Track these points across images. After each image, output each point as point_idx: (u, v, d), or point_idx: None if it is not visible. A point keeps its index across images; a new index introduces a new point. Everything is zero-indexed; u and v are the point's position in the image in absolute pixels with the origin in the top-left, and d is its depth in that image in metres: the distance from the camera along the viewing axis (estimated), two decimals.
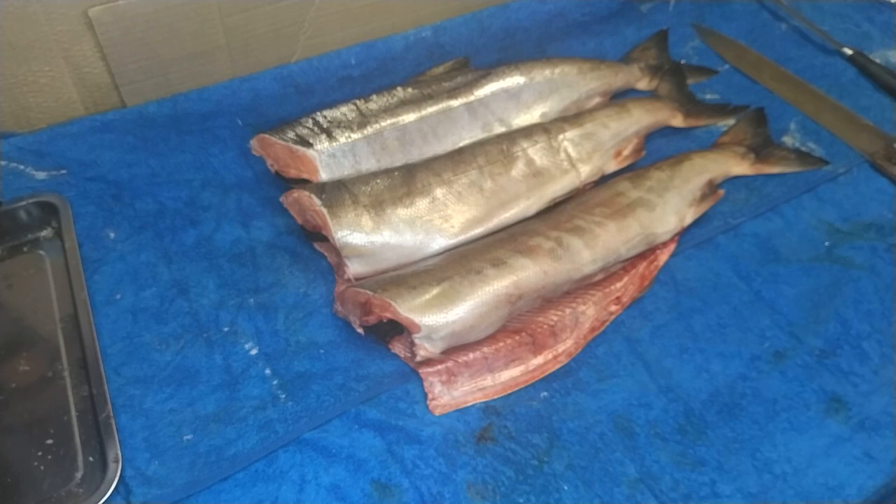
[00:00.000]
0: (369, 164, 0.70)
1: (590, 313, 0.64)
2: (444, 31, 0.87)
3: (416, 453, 0.56)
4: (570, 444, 0.57)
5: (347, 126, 0.70)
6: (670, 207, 0.70)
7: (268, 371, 0.60)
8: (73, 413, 0.57)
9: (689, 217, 0.71)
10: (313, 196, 0.63)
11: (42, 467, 0.54)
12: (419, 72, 0.82)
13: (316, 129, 0.70)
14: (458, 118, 0.74)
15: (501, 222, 0.68)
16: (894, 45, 0.92)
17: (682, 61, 0.89)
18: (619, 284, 0.66)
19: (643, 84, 0.86)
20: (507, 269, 0.61)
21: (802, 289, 0.68)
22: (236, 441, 0.55)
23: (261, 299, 0.64)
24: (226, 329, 0.62)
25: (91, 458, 0.55)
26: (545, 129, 0.74)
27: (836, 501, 0.55)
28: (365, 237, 0.63)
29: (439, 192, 0.66)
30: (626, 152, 0.77)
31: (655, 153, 0.78)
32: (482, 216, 0.67)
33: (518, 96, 0.78)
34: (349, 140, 0.70)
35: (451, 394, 0.59)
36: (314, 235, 0.67)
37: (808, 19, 0.94)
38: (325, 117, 0.71)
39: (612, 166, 0.76)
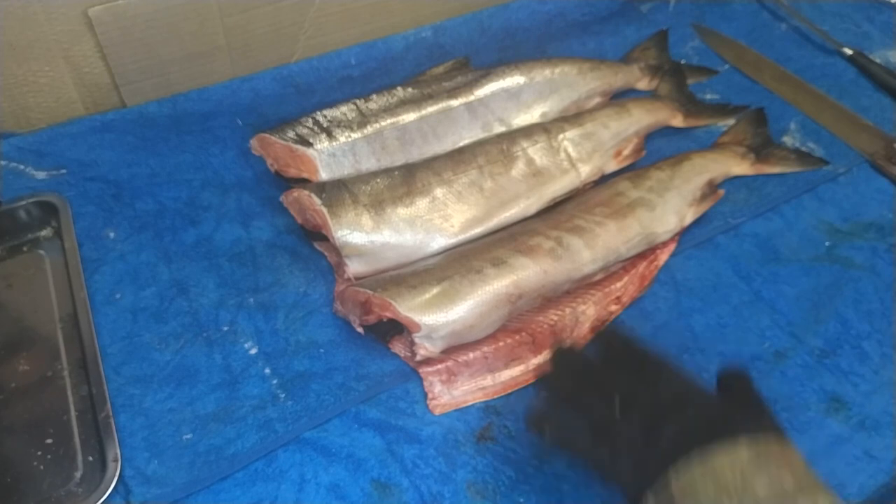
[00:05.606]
0: (369, 164, 0.70)
1: (590, 313, 0.64)
2: (444, 31, 0.87)
3: (416, 453, 0.56)
4: None
5: (347, 126, 0.70)
6: (670, 207, 0.70)
7: (267, 370, 0.60)
8: (73, 413, 0.57)
9: (690, 217, 0.71)
10: (313, 195, 0.63)
11: (41, 467, 0.54)
12: (419, 72, 0.82)
13: (316, 128, 0.70)
14: (458, 118, 0.74)
15: (501, 222, 0.68)
16: (894, 45, 0.92)
17: (682, 61, 0.89)
18: (619, 284, 0.66)
19: (643, 84, 0.86)
20: (508, 268, 0.61)
21: (802, 289, 0.68)
22: (236, 440, 0.55)
23: (261, 299, 0.64)
24: (225, 328, 0.62)
25: (90, 458, 0.55)
26: (545, 128, 0.74)
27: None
28: (365, 236, 0.63)
29: (439, 191, 0.66)
30: (626, 152, 0.77)
31: (655, 153, 0.78)
32: (482, 216, 0.67)
33: (518, 96, 0.78)
34: (349, 139, 0.70)
35: (451, 393, 0.59)
36: (314, 235, 0.67)
37: (808, 19, 0.94)
38: (325, 117, 0.71)
39: (612, 166, 0.76)
